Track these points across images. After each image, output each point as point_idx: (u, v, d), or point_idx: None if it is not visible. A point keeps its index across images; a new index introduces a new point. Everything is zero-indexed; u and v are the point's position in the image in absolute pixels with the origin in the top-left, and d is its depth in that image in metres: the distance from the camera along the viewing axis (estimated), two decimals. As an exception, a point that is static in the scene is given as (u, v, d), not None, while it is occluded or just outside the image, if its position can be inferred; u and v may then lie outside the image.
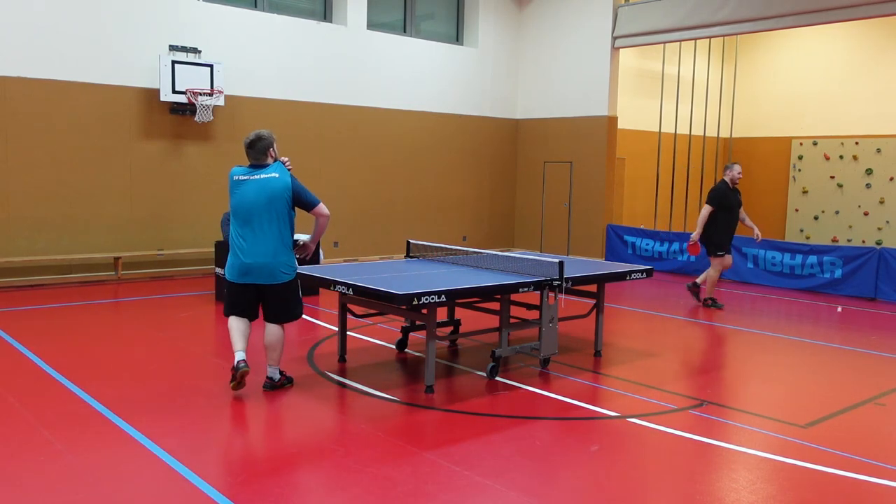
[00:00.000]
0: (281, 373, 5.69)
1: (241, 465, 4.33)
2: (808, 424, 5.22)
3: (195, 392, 5.58)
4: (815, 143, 16.73)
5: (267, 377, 5.62)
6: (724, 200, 9.58)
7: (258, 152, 5.45)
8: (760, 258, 11.93)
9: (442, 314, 7.02)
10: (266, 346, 5.55)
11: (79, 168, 10.52)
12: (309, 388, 5.78)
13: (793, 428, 5.14)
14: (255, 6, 12.25)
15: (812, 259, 11.36)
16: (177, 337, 7.54)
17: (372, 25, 13.48)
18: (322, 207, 5.49)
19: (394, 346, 7.09)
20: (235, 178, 5.44)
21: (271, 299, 5.48)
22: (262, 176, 5.37)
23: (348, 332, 6.91)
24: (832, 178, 16.53)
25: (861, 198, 16.15)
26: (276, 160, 5.51)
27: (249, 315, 5.53)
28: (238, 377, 5.33)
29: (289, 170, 5.51)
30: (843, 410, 5.59)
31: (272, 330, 5.52)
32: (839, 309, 9.62)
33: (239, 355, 5.36)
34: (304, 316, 8.73)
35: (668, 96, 15.85)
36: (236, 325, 5.45)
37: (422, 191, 14.29)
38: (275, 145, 5.54)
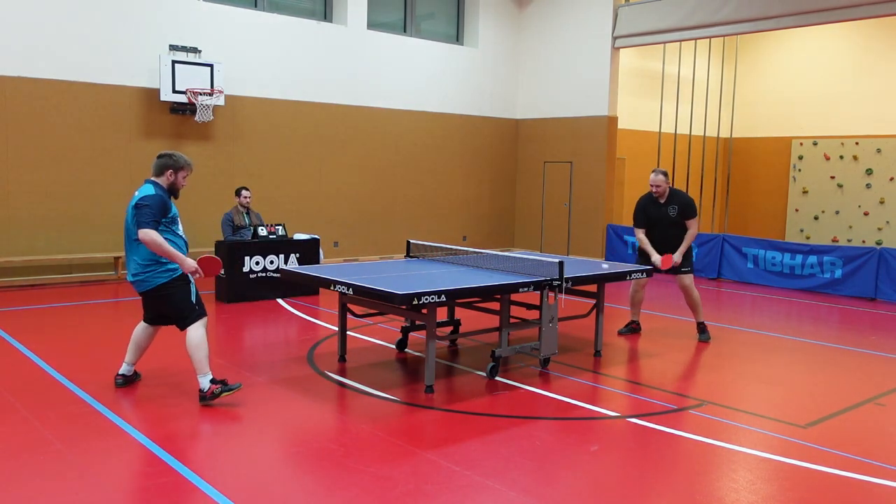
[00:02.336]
0: (213, 381, 5.32)
1: (242, 465, 4.33)
2: (808, 424, 5.22)
3: (195, 392, 5.57)
4: (815, 143, 16.73)
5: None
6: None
7: (154, 168, 5.33)
8: (760, 258, 11.93)
9: (442, 314, 7.03)
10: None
11: (79, 168, 10.53)
12: (309, 388, 5.78)
13: (793, 428, 5.13)
14: (255, 6, 12.25)
15: (812, 259, 11.36)
16: (177, 337, 7.52)
17: (372, 25, 13.48)
18: (142, 233, 5.00)
19: (394, 346, 7.09)
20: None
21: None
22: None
23: (348, 332, 6.91)
24: (832, 178, 16.53)
25: (861, 198, 16.15)
26: (171, 183, 5.28)
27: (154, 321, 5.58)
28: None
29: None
30: (843, 410, 5.59)
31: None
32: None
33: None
34: (303, 315, 8.74)
35: (668, 96, 15.85)
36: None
37: (422, 191, 14.29)
38: (179, 174, 5.29)
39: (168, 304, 5.30)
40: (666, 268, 7.59)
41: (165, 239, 5.08)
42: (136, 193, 5.22)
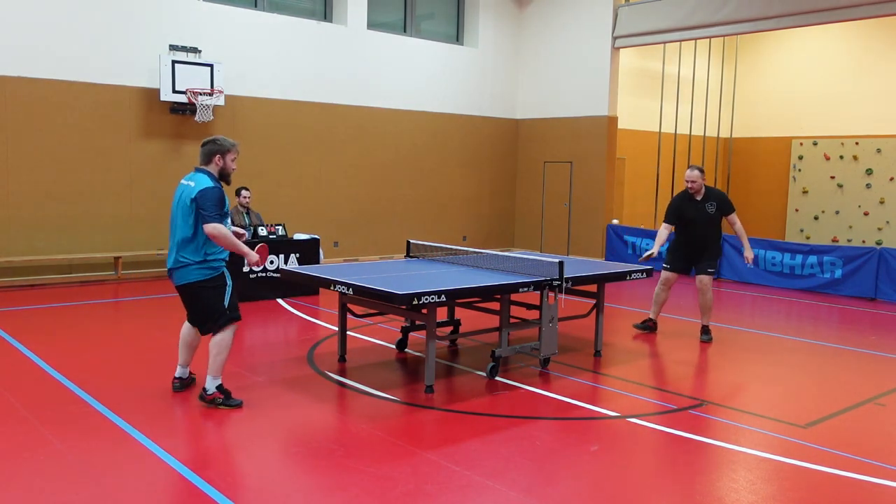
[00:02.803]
0: (219, 388, 5.23)
1: (242, 465, 4.33)
2: (808, 424, 5.22)
3: (195, 392, 5.57)
4: (815, 143, 16.73)
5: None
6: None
7: (201, 156, 5.24)
8: (760, 258, 11.93)
9: (442, 314, 7.03)
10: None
11: (79, 168, 10.53)
12: (309, 388, 5.78)
13: (793, 428, 5.13)
14: (255, 6, 12.25)
15: (812, 259, 11.36)
16: (177, 337, 7.52)
17: (372, 25, 13.48)
18: (209, 227, 4.95)
19: (394, 346, 7.09)
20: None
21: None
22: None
23: (348, 332, 6.91)
24: (832, 178, 16.53)
25: (861, 198, 16.15)
26: (221, 168, 5.19)
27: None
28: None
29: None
30: (843, 410, 5.59)
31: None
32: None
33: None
34: (303, 315, 8.74)
35: (668, 96, 15.85)
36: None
37: (422, 191, 14.29)
38: (227, 157, 5.20)
39: (198, 303, 5.20)
40: (641, 260, 7.65)
41: (213, 255, 5.11)
42: (191, 184, 5.07)
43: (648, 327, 8.16)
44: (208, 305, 5.16)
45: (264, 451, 4.56)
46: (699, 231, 7.69)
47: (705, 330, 7.86)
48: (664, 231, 7.86)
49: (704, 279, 7.71)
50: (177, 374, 5.55)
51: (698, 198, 7.67)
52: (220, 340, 5.14)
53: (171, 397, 5.42)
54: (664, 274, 8.02)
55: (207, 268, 5.12)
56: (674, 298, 10.39)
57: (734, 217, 7.75)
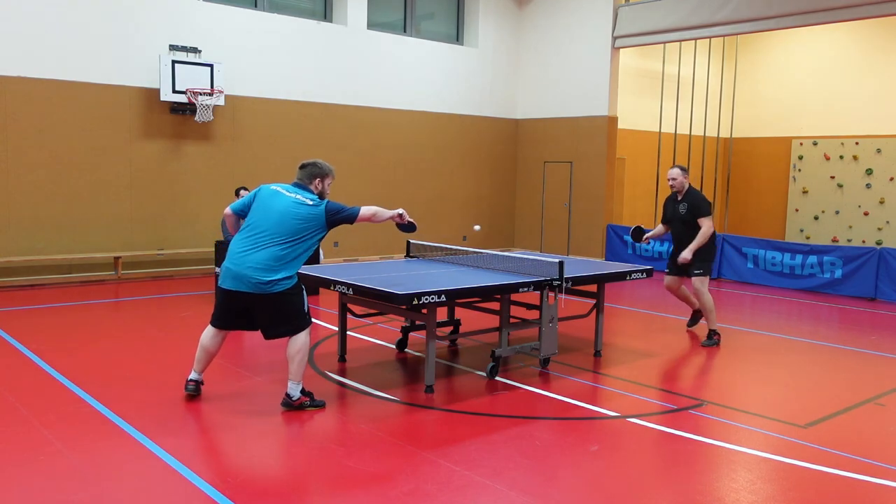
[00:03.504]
0: (303, 391, 5.27)
1: (241, 465, 4.33)
2: (808, 424, 5.22)
3: (195, 392, 5.58)
4: (815, 143, 16.73)
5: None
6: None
7: (304, 175, 5.30)
8: (760, 258, 11.93)
9: (442, 314, 7.02)
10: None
11: (79, 168, 10.52)
12: (309, 388, 5.77)
13: (793, 428, 5.14)
14: (255, 6, 12.25)
15: (812, 259, 11.36)
16: (177, 337, 7.54)
17: (372, 25, 13.48)
18: (364, 209, 5.35)
19: (394, 346, 7.09)
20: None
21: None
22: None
23: (348, 332, 6.91)
24: (832, 178, 16.53)
25: (861, 198, 16.15)
26: (320, 192, 5.31)
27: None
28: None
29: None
30: (843, 410, 5.59)
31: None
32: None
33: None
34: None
35: (668, 96, 15.85)
36: None
37: (422, 191, 14.29)
38: (325, 181, 5.35)
39: (284, 309, 5.11)
40: (636, 241, 7.94)
41: (301, 254, 5.13)
42: (307, 202, 5.09)
43: (698, 318, 8.12)
44: (294, 311, 5.14)
45: (264, 450, 4.56)
46: (675, 230, 7.75)
47: (709, 335, 7.65)
48: (660, 227, 8.00)
49: (694, 281, 7.60)
50: (192, 377, 5.39)
51: (679, 197, 7.69)
52: (302, 346, 5.13)
53: (171, 397, 5.42)
54: (664, 279, 8.04)
55: (295, 278, 5.15)
56: (672, 299, 10.40)
57: (705, 220, 7.48)
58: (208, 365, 5.43)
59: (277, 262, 5.00)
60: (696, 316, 8.14)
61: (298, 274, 5.23)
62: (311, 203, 5.11)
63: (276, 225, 5.03)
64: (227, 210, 5.34)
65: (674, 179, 7.63)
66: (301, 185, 5.24)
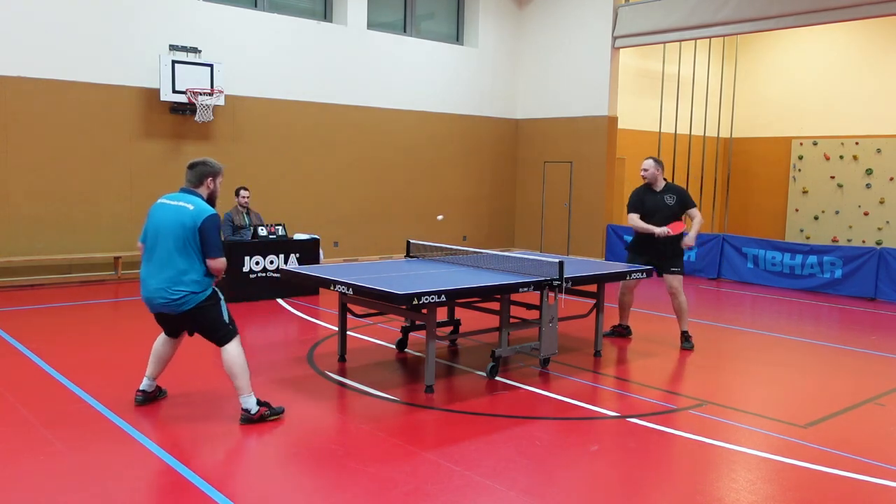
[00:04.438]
0: (259, 402, 5.01)
1: (242, 465, 4.33)
2: (808, 424, 5.22)
3: (195, 391, 5.58)
4: (815, 143, 16.73)
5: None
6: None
7: (192, 177, 4.99)
8: (760, 258, 11.93)
9: (442, 314, 7.02)
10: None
11: (79, 168, 10.53)
12: (309, 388, 5.78)
13: (793, 428, 5.13)
14: (255, 6, 12.25)
15: (812, 259, 11.36)
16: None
17: (372, 25, 13.48)
18: (221, 262, 4.88)
19: (394, 346, 7.09)
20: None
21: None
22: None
23: (348, 332, 6.91)
24: (832, 178, 16.53)
25: (861, 198, 16.15)
26: (211, 191, 5.00)
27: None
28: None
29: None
30: (843, 410, 5.59)
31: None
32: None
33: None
34: (303, 315, 8.74)
35: (668, 96, 15.85)
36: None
37: (422, 191, 14.29)
38: (218, 178, 5.03)
39: (202, 323, 4.93)
40: (677, 232, 7.23)
41: (205, 274, 4.85)
42: (188, 206, 4.79)
43: (618, 333, 7.85)
44: (211, 324, 4.93)
45: (264, 450, 4.56)
46: (661, 223, 7.31)
47: (685, 337, 7.46)
48: (635, 217, 7.40)
49: (671, 280, 7.34)
50: (141, 387, 5.22)
51: (656, 189, 7.41)
52: (235, 358, 4.91)
53: (171, 397, 5.42)
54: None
55: (206, 288, 4.89)
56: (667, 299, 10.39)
57: (695, 211, 7.42)
58: (162, 371, 5.26)
59: (177, 278, 4.76)
60: (620, 330, 7.84)
61: (216, 286, 4.98)
62: (191, 208, 4.80)
63: (165, 240, 4.78)
64: (138, 244, 5.03)
65: (646, 170, 7.36)
66: (188, 190, 4.95)
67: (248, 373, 4.97)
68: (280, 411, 5.05)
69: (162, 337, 5.23)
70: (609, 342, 7.54)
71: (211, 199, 5.00)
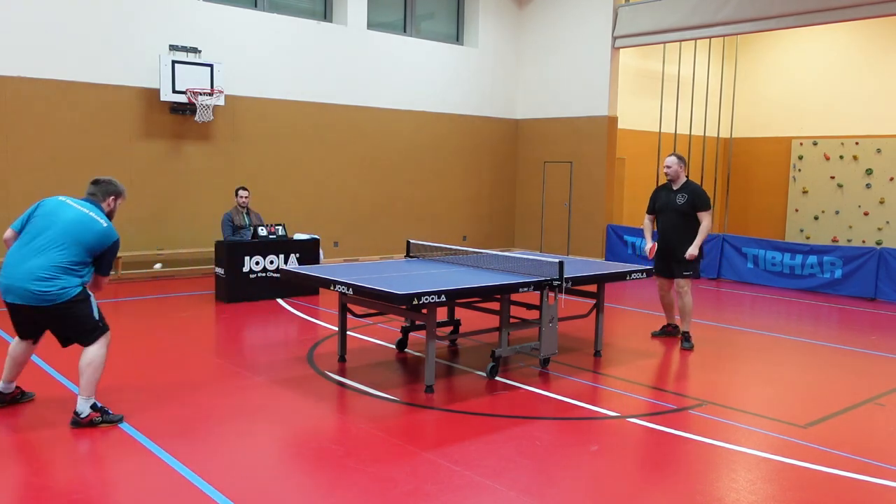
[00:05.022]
0: (94, 407, 4.83)
1: (241, 465, 4.33)
2: (808, 424, 5.22)
3: (195, 391, 5.58)
4: (815, 143, 16.73)
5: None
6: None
7: (99, 192, 4.97)
8: (760, 258, 11.93)
9: (442, 314, 7.02)
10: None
11: (79, 168, 10.51)
12: (309, 388, 5.78)
13: (793, 428, 5.13)
14: (255, 6, 12.25)
15: (812, 259, 11.36)
16: (177, 337, 7.54)
17: (372, 25, 13.48)
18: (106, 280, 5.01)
19: (394, 346, 7.09)
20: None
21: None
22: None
23: (348, 332, 6.91)
24: (832, 178, 16.52)
25: (861, 198, 16.15)
26: (111, 210, 4.99)
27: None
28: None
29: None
30: (843, 410, 5.59)
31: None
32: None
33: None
34: (303, 315, 8.74)
35: (668, 96, 15.84)
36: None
37: (422, 191, 14.29)
38: (118, 198, 5.03)
39: (69, 319, 4.75)
40: (651, 258, 7.51)
41: (84, 274, 4.75)
42: (91, 215, 4.75)
43: (667, 332, 7.93)
44: (81, 319, 4.77)
45: (264, 450, 4.56)
46: (666, 221, 7.40)
47: (686, 337, 7.49)
48: (647, 221, 7.79)
49: (681, 282, 7.38)
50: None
51: (675, 186, 7.45)
52: (95, 357, 4.76)
53: (172, 397, 5.42)
54: (656, 280, 7.80)
55: (80, 286, 4.74)
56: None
57: (705, 215, 7.29)
58: (18, 374, 5.10)
59: (56, 269, 4.60)
60: (669, 329, 7.93)
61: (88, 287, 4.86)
62: (104, 224, 4.78)
63: (61, 234, 4.65)
64: (8, 232, 4.86)
65: (668, 167, 7.40)
66: (92, 202, 4.90)
67: (99, 375, 4.81)
68: (118, 419, 4.83)
69: (17, 340, 5.00)
70: (611, 341, 7.54)
71: (109, 217, 4.96)
